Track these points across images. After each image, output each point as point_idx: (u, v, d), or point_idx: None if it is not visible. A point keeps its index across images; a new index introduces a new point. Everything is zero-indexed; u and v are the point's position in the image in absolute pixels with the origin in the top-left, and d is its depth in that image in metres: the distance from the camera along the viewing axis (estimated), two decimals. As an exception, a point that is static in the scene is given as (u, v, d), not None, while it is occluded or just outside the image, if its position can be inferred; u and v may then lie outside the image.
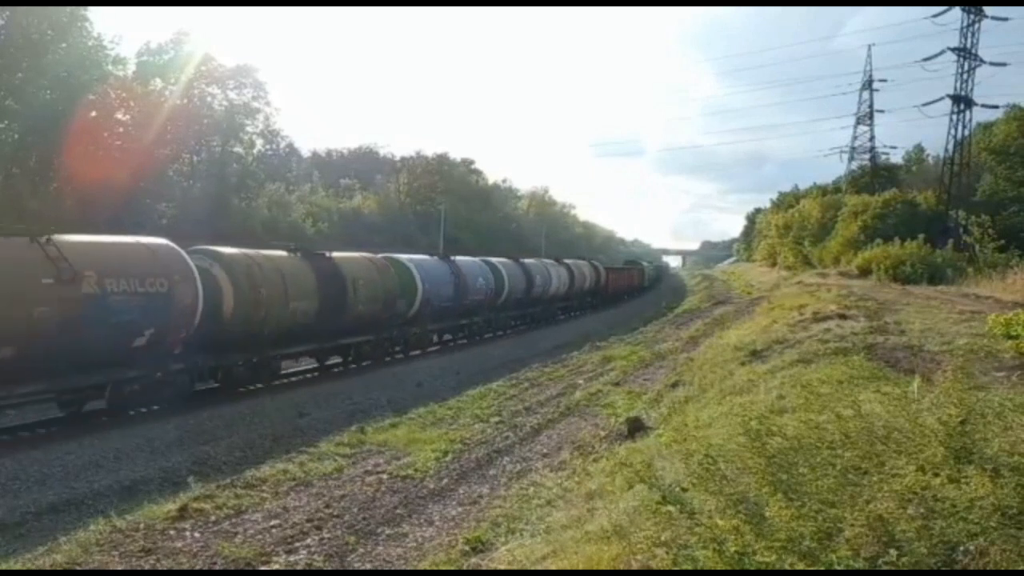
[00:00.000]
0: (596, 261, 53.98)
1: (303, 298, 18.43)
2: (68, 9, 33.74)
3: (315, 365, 21.16)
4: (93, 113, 34.82)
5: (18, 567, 7.14)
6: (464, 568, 6.80)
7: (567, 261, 44.58)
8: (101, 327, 13.16)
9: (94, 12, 36.10)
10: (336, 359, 21.70)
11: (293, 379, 19.73)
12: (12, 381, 12.06)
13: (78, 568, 7.13)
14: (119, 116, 38.03)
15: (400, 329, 24.05)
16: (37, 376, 12.51)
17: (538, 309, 37.73)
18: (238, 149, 49.66)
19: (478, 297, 29.33)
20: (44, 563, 7.20)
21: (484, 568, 6.52)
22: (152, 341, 14.17)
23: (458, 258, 29.96)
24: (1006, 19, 48.23)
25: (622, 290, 57.31)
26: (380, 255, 24.54)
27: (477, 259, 31.98)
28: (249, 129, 50.00)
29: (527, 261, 37.51)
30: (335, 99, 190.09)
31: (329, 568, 7.28)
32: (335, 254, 21.41)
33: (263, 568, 7.19)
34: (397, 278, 23.55)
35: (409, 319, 24.39)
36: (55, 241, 12.70)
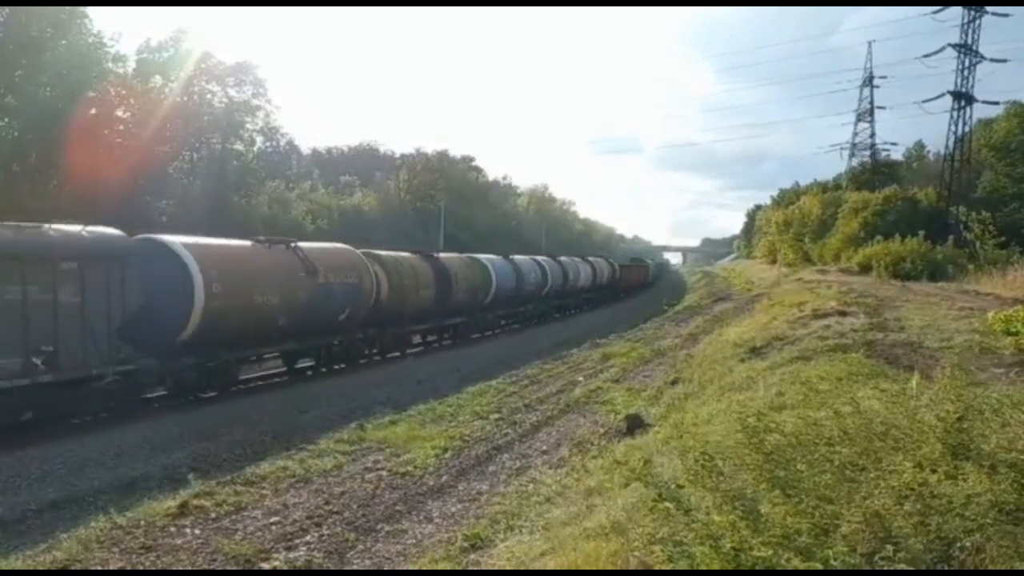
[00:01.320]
0: (612, 259, 61.30)
1: (426, 288, 25.14)
2: (67, 7, 33.68)
3: (420, 341, 27.31)
4: (93, 110, 34.78)
5: (19, 564, 7.16)
6: (464, 564, 6.81)
7: (590, 259, 51.67)
8: (325, 305, 19.05)
9: (94, 10, 36.03)
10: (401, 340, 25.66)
11: (294, 376, 19.80)
12: (283, 340, 18.43)
13: (79, 564, 7.14)
14: (119, 113, 37.98)
15: (480, 313, 30.38)
16: (292, 338, 18.60)
17: (570, 300, 44.38)
18: (238, 146, 49.59)
19: (531, 289, 35.98)
20: (45, 560, 7.21)
21: (484, 564, 6.54)
22: (348, 317, 20.11)
23: (516, 257, 36.23)
24: (1007, 15, 48.14)
25: (632, 284, 63.42)
26: (463, 255, 31.12)
27: (528, 257, 38.89)
28: (249, 126, 49.93)
29: (562, 259, 44.06)
30: (335, 96, 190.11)
31: (329, 564, 7.30)
32: (441, 255, 28.22)
33: (264, 565, 7.21)
34: (479, 272, 30.06)
35: (485, 306, 30.76)
36: (299, 247, 19.03)
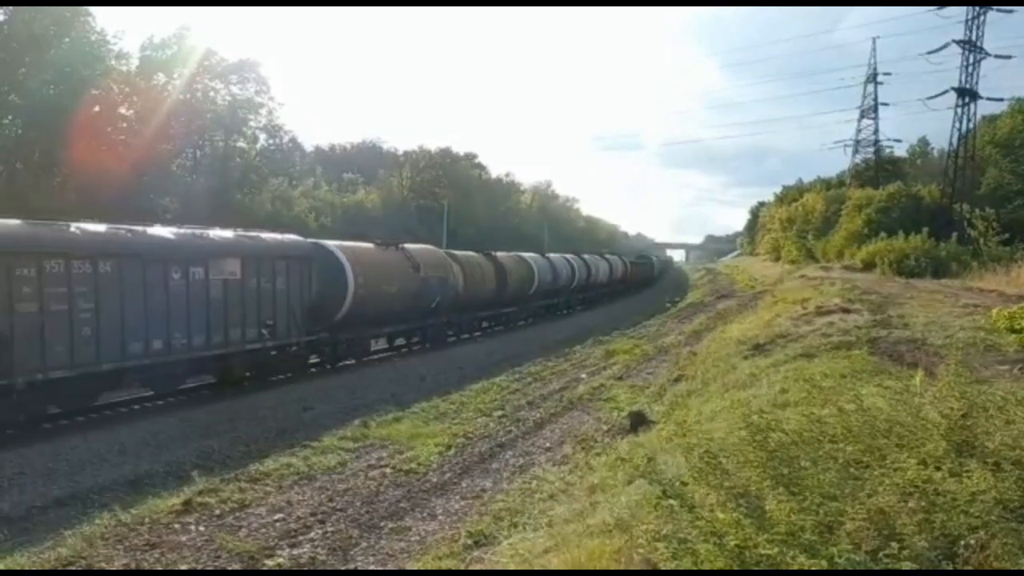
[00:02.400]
0: (625, 257, 68.14)
1: (489, 282, 30.51)
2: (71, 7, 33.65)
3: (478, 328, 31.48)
4: (96, 108, 34.81)
5: (24, 561, 7.18)
6: (468, 561, 6.82)
7: (608, 256, 58.58)
8: (424, 295, 24.31)
9: (95, 7, 35.97)
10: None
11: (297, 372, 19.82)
12: (395, 322, 23.61)
13: (83, 561, 7.17)
14: (122, 111, 38.02)
15: (525, 303, 35.93)
16: (401, 321, 24.02)
17: (591, 293, 49.30)
18: (241, 144, 49.56)
19: (563, 283, 41.11)
20: (49, 557, 7.23)
21: (487, 561, 6.54)
22: (438, 304, 25.36)
23: (551, 255, 42.13)
24: (1011, 11, 47.84)
25: (639, 279, 69.23)
26: (512, 253, 35.92)
27: (559, 255, 44.49)
28: (252, 124, 49.87)
29: (585, 256, 49.99)
30: (338, 93, 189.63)
31: (333, 561, 7.31)
32: (498, 254, 33.30)
33: (268, 562, 7.22)
34: (525, 269, 35.23)
35: (529, 297, 36.01)
36: (405, 248, 24.50)
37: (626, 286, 60.61)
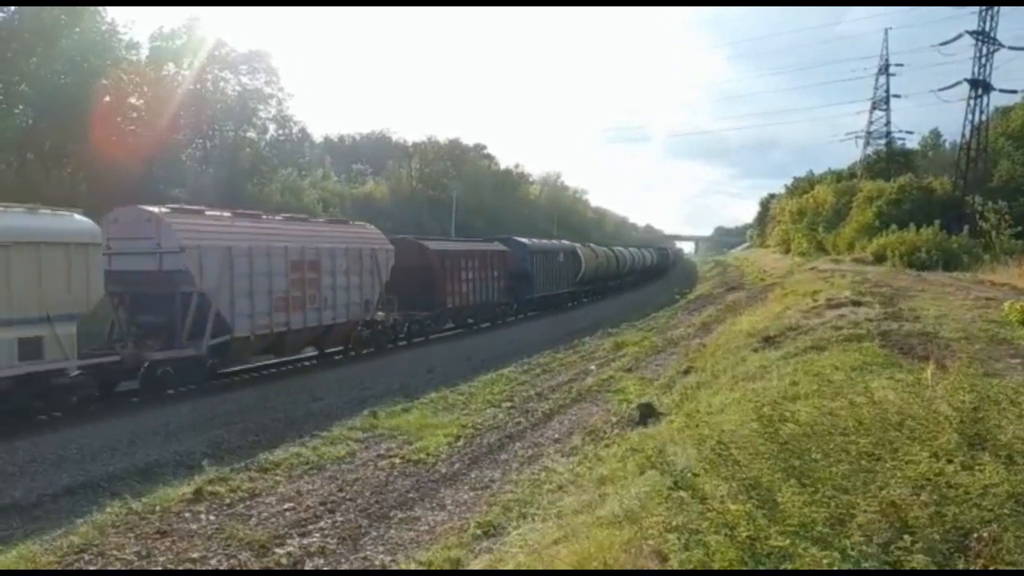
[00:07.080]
0: (655, 248, 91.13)
1: (613, 265, 53.77)
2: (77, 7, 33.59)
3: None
4: (107, 98, 34.80)
5: (36, 548, 7.24)
6: (476, 551, 6.84)
7: (651, 248, 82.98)
8: (606, 268, 51.81)
9: (108, 6, 35.92)
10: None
11: (305, 364, 19.91)
12: (590, 284, 47.48)
13: (95, 549, 7.22)
14: (132, 101, 37.96)
15: (622, 278, 56.95)
16: (591, 283, 47.47)
17: (641, 275, 67.31)
18: (251, 134, 49.54)
19: (634, 266, 62.79)
20: (61, 544, 7.29)
21: (496, 552, 6.55)
22: (603, 276, 50.76)
23: (631, 248, 67.71)
24: (1025, 2, 47.28)
25: (660, 267, 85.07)
26: (616, 247, 60.54)
27: (636, 247, 72.11)
28: (262, 114, 49.80)
29: (643, 249, 75.10)
30: (347, 84, 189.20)
31: (343, 551, 7.35)
32: (616, 248, 59.11)
33: (278, 551, 7.26)
34: (622, 256, 57.47)
35: (625, 274, 57.82)
36: (591, 245, 51.62)
37: (652, 272, 77.21)
